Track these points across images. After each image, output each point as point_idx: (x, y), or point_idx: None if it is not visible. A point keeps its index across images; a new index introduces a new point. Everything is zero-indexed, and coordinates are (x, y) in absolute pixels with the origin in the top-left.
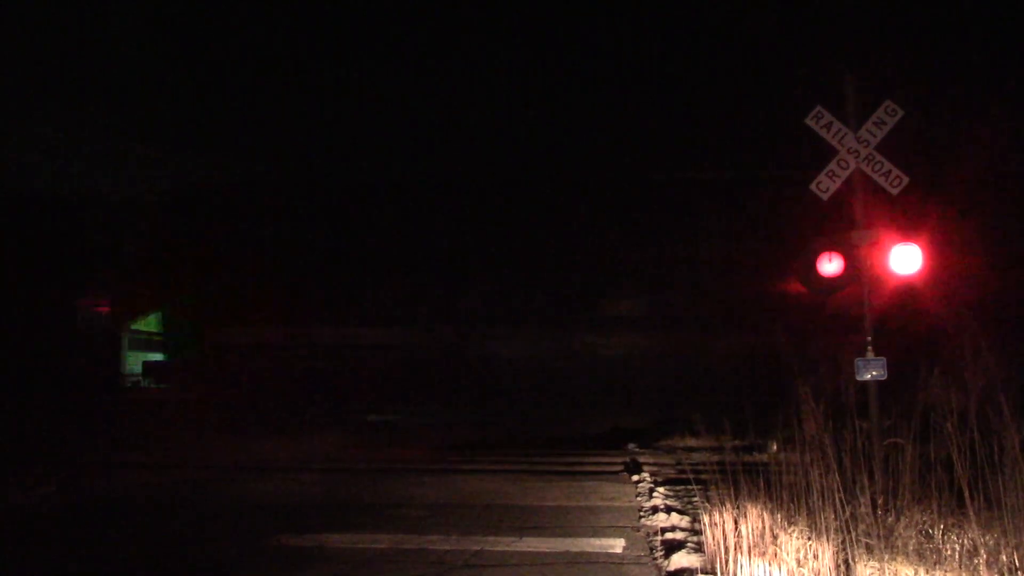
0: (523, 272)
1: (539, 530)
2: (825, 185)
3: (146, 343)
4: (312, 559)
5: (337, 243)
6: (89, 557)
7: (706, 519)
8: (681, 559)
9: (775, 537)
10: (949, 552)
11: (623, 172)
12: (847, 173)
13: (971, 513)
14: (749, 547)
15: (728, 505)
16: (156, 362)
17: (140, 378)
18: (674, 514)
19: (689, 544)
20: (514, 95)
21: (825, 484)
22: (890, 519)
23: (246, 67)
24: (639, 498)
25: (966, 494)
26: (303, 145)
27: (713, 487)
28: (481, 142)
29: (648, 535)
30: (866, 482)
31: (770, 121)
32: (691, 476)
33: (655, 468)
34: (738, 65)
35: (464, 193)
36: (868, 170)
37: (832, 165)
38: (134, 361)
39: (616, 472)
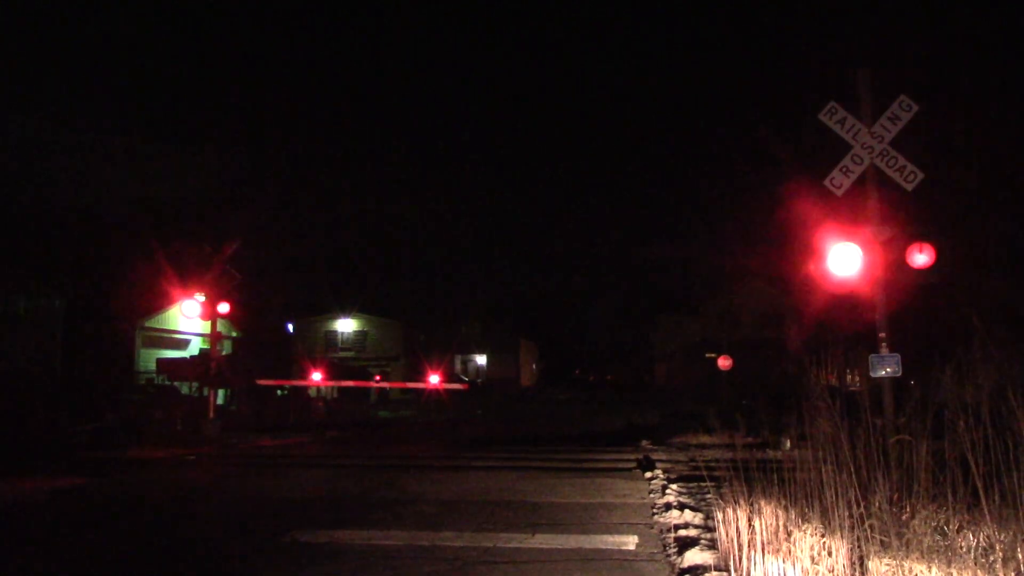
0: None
1: (552, 527)
2: (839, 181)
3: (159, 340)
4: (326, 555)
5: None
6: (103, 553)
7: (719, 516)
8: (694, 556)
9: (789, 534)
10: (964, 549)
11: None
12: (861, 169)
13: (986, 510)
14: (763, 544)
15: (742, 502)
16: (169, 359)
17: (154, 375)
18: (687, 511)
19: (702, 541)
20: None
21: (838, 481)
22: (905, 516)
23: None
24: (652, 495)
25: (981, 491)
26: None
27: (726, 484)
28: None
29: (661, 532)
30: (880, 479)
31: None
32: (704, 473)
33: (668, 465)
34: (749, 62)
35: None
36: (882, 166)
37: (846, 161)
38: (148, 358)
39: (629, 469)
